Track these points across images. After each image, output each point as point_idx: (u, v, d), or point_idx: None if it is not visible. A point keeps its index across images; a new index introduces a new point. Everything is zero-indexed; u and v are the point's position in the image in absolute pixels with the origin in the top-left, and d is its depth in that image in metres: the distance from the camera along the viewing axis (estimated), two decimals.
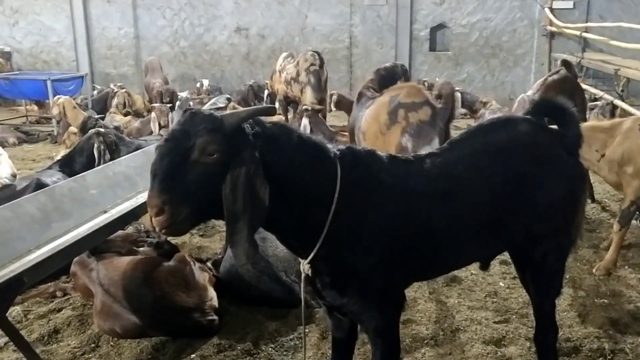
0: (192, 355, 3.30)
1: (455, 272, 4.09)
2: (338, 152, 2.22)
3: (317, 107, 7.41)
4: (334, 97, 9.77)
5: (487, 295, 3.97)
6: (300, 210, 2.13)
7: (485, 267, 2.92)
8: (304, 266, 2.22)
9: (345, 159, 2.21)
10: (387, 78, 5.25)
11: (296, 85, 7.85)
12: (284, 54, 8.70)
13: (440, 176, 2.36)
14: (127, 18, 12.97)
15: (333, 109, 9.74)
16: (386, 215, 2.23)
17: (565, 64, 6.12)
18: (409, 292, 3.91)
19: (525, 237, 2.55)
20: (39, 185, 4.92)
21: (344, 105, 10.04)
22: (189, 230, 2.18)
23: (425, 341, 3.41)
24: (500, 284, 4.13)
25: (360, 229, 2.20)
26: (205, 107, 5.77)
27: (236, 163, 1.91)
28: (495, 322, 3.60)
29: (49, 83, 9.33)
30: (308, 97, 7.53)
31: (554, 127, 2.64)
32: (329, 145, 2.26)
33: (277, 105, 9.43)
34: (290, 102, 8.46)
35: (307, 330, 3.52)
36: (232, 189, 1.90)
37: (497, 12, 11.70)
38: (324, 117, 7.65)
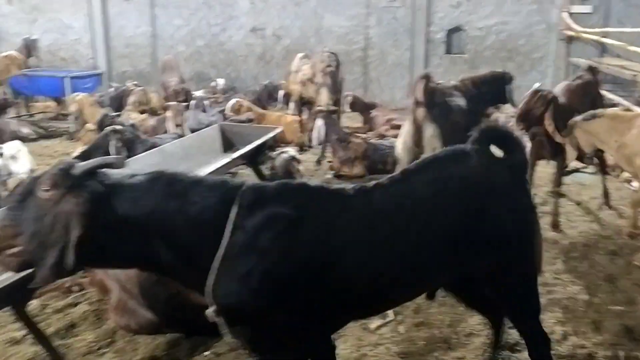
0: (206, 353, 3.33)
1: None
2: (239, 192, 2.13)
3: (332, 108, 7.42)
4: (349, 99, 9.78)
5: None
6: (183, 256, 2.10)
7: (431, 297, 2.93)
8: (209, 313, 2.10)
9: (246, 199, 2.11)
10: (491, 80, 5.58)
11: (311, 86, 7.87)
12: (300, 55, 8.73)
13: (382, 213, 2.25)
14: (145, 17, 13.08)
15: (347, 110, 9.77)
16: (296, 261, 2.10)
17: (591, 69, 6.10)
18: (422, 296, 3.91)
19: (484, 271, 2.53)
20: None
21: (358, 106, 10.06)
22: None
23: (439, 344, 3.41)
24: None
25: (257, 274, 2.07)
26: None
27: (64, 201, 1.98)
28: (509, 327, 3.58)
29: (66, 80, 9.43)
30: (323, 98, 7.54)
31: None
32: (228, 186, 2.18)
33: (291, 105, 9.49)
34: (305, 103, 8.48)
35: None
36: (52, 221, 1.97)
37: (514, 15, 11.63)
38: (339, 118, 7.65)
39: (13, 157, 5.12)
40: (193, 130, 7.88)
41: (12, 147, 5.16)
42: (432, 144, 4.69)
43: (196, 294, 2.18)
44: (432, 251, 2.32)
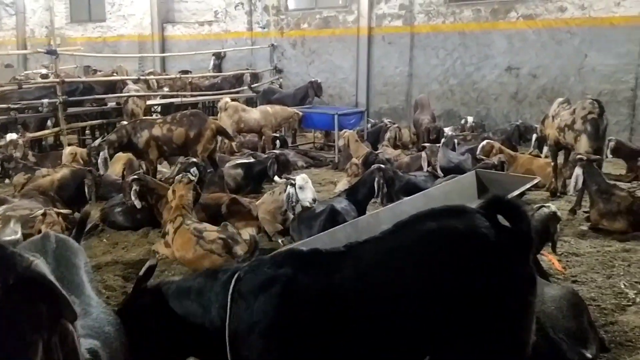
0: None
1: None
2: (235, 275, 2.41)
3: (593, 157, 7.11)
4: (611, 144, 9.17)
5: None
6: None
7: None
8: None
9: (241, 274, 2.41)
10: None
11: (570, 133, 7.64)
12: (559, 100, 8.52)
13: (370, 267, 2.31)
14: (404, 58, 14.10)
15: (609, 156, 9.14)
16: (293, 320, 2.29)
17: None
18: None
19: (459, 348, 2.32)
20: (333, 211, 5.91)
21: (622, 152, 9.36)
22: None
23: None
24: None
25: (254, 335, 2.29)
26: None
27: None
28: None
29: (336, 117, 10.77)
30: (583, 146, 7.27)
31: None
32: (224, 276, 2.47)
33: (545, 150, 9.28)
34: (562, 149, 8.25)
35: None
36: None
37: None
38: (600, 166, 7.28)
39: (301, 188, 6.19)
40: (442, 169, 8.35)
41: (302, 179, 6.23)
42: None
43: None
44: (415, 308, 2.28)
